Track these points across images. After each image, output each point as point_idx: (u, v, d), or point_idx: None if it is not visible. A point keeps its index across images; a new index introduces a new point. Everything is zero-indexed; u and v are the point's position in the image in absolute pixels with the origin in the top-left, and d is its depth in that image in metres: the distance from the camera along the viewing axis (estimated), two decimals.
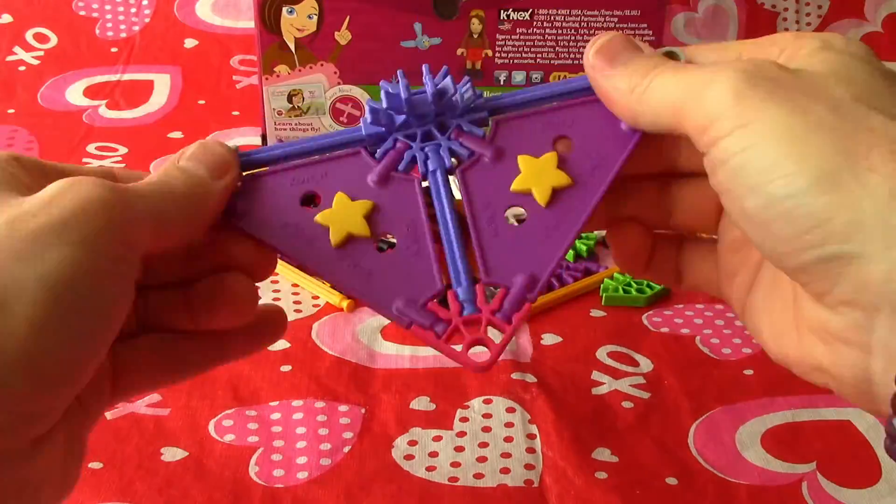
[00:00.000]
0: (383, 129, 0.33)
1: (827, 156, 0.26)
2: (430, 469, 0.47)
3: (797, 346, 0.29)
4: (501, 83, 0.77)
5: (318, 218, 0.32)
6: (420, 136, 0.33)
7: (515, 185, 0.32)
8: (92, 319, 0.27)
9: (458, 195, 0.32)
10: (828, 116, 0.26)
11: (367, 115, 0.33)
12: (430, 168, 0.33)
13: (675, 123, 0.30)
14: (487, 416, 0.50)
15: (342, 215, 0.32)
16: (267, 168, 0.33)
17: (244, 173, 0.33)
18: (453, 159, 0.33)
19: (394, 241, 0.32)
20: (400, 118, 0.33)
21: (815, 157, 0.26)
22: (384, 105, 0.33)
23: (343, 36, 0.75)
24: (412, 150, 0.33)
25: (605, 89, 0.32)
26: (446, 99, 0.33)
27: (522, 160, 0.32)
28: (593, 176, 0.32)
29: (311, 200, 0.32)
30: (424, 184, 0.33)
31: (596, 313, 0.59)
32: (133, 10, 0.96)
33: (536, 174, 0.32)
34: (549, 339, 0.56)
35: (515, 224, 0.32)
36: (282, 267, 0.62)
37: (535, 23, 0.75)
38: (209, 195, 0.31)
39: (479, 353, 0.30)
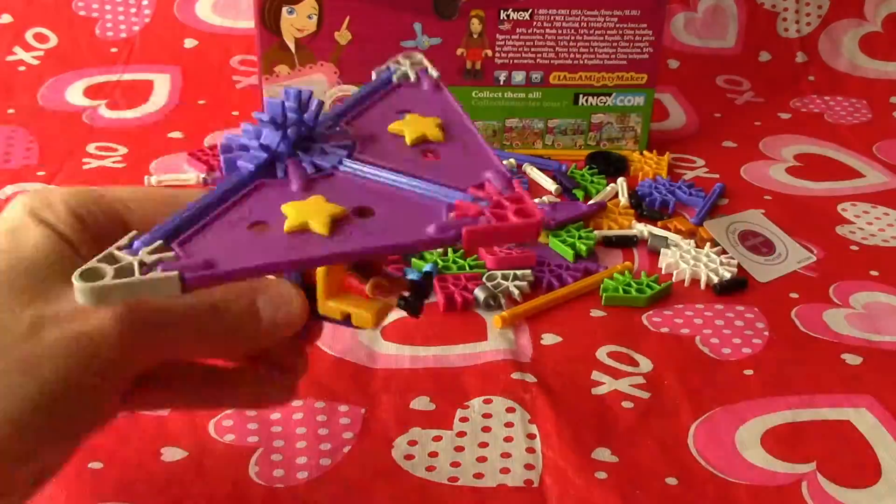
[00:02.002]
0: (265, 155, 0.33)
1: None
2: (430, 469, 0.47)
3: None
4: (501, 83, 0.78)
5: (287, 225, 0.30)
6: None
7: (410, 140, 0.35)
8: (71, 423, 0.29)
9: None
10: None
11: (236, 153, 0.34)
12: (331, 163, 0.34)
13: None
14: (487, 416, 0.50)
15: (307, 210, 0.31)
16: (193, 228, 0.31)
17: (174, 243, 0.29)
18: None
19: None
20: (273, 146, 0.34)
21: None
22: (256, 136, 0.34)
23: (343, 36, 0.75)
24: (304, 159, 0.34)
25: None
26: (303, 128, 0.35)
27: (396, 124, 0.36)
28: (446, 115, 0.36)
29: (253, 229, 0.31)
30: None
31: (596, 313, 0.59)
32: (133, 10, 0.96)
33: (417, 125, 0.35)
34: (549, 339, 0.56)
35: (434, 158, 0.34)
36: None
37: (535, 23, 0.75)
38: (268, 340, 0.33)
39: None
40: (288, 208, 0.31)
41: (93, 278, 0.27)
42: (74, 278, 0.26)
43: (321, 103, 0.35)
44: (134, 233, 0.29)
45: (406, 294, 0.34)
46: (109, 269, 0.27)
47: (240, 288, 0.33)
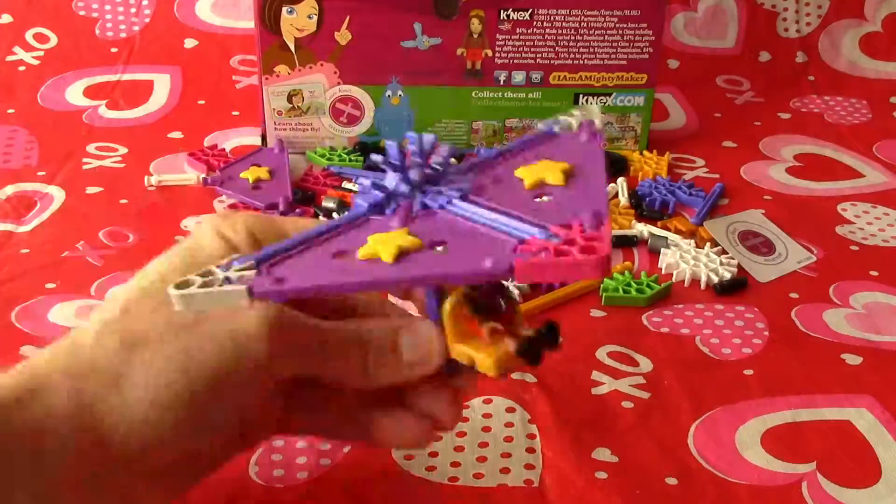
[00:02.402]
0: (381, 194, 0.36)
1: None
2: (429, 469, 0.47)
3: None
4: (501, 83, 0.78)
5: (361, 253, 0.32)
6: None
7: (528, 183, 0.35)
8: (219, 412, 0.34)
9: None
10: None
11: (360, 194, 0.36)
12: (440, 203, 0.35)
13: None
14: (487, 415, 0.50)
15: (384, 240, 0.33)
16: (286, 253, 0.34)
17: (266, 264, 0.33)
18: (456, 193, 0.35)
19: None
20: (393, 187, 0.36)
21: None
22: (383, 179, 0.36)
23: (343, 36, 0.75)
24: (417, 199, 0.36)
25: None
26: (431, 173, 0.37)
27: (522, 169, 0.36)
28: (584, 161, 0.37)
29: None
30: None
31: (596, 313, 0.59)
32: (133, 10, 0.96)
33: (542, 169, 0.36)
34: None
35: (547, 199, 0.34)
36: None
37: (535, 23, 0.75)
38: (403, 375, 0.36)
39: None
40: (371, 238, 0.33)
41: (183, 287, 0.31)
42: (170, 286, 0.30)
43: (452, 150, 0.37)
44: (236, 255, 0.33)
45: (529, 338, 0.34)
46: (198, 281, 0.31)
47: (386, 322, 0.36)
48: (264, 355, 0.33)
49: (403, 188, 0.36)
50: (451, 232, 0.33)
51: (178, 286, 0.30)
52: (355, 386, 0.37)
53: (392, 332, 0.36)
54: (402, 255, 0.32)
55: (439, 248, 0.32)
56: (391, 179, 0.36)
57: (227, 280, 0.31)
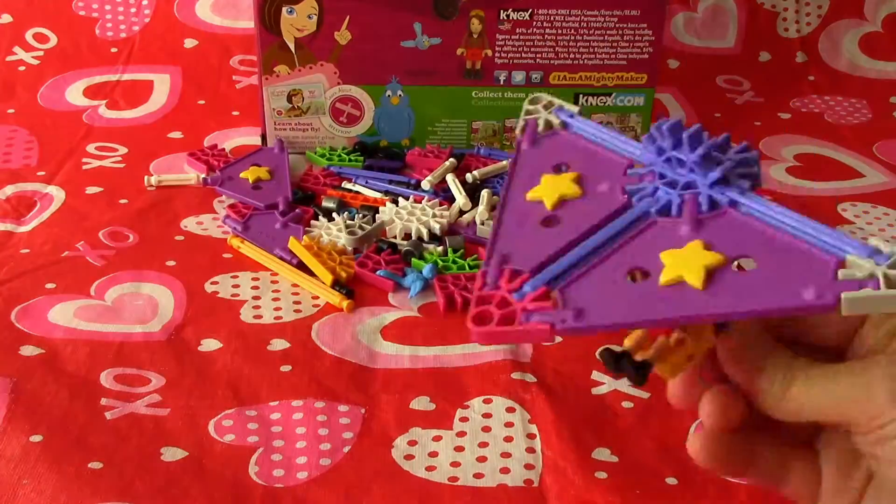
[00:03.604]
0: (668, 196, 0.33)
1: None
2: (430, 469, 0.47)
3: None
4: (501, 83, 0.78)
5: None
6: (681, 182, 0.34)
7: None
8: None
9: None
10: None
11: (646, 142, 0.35)
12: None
13: (828, 418, 0.33)
14: (487, 415, 0.50)
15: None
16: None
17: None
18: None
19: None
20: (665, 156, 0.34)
21: None
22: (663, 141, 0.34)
23: (343, 36, 0.75)
24: (704, 193, 0.33)
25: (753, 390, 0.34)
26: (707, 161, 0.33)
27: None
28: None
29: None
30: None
31: None
32: (133, 10, 0.96)
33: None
34: None
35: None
36: (281, 267, 0.62)
37: (535, 23, 0.75)
38: None
39: None
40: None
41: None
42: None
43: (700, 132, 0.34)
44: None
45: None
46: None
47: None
48: None
49: (693, 178, 0.33)
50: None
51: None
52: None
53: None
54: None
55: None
56: (673, 169, 0.33)
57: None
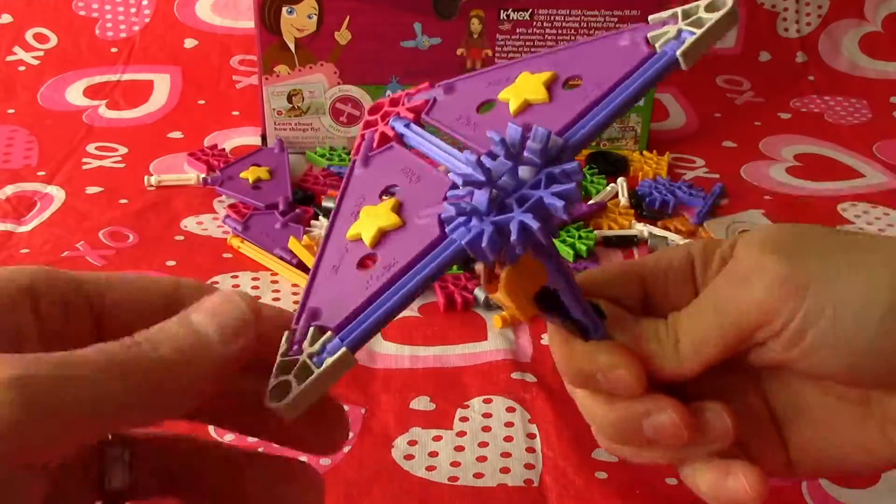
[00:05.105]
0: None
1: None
2: (430, 469, 0.47)
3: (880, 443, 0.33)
4: None
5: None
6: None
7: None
8: None
9: None
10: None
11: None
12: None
13: (728, 341, 0.32)
14: (487, 415, 0.50)
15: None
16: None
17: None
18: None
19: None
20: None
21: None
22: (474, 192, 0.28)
23: (343, 36, 0.75)
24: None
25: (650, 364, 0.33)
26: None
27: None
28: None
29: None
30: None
31: None
32: (133, 10, 0.96)
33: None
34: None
35: None
36: (281, 267, 0.62)
37: (535, 23, 0.75)
38: (212, 363, 0.26)
39: None
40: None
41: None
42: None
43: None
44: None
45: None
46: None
47: (167, 323, 0.27)
48: (13, 445, 0.23)
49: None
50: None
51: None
52: (204, 401, 0.28)
53: (182, 324, 0.27)
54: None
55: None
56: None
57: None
